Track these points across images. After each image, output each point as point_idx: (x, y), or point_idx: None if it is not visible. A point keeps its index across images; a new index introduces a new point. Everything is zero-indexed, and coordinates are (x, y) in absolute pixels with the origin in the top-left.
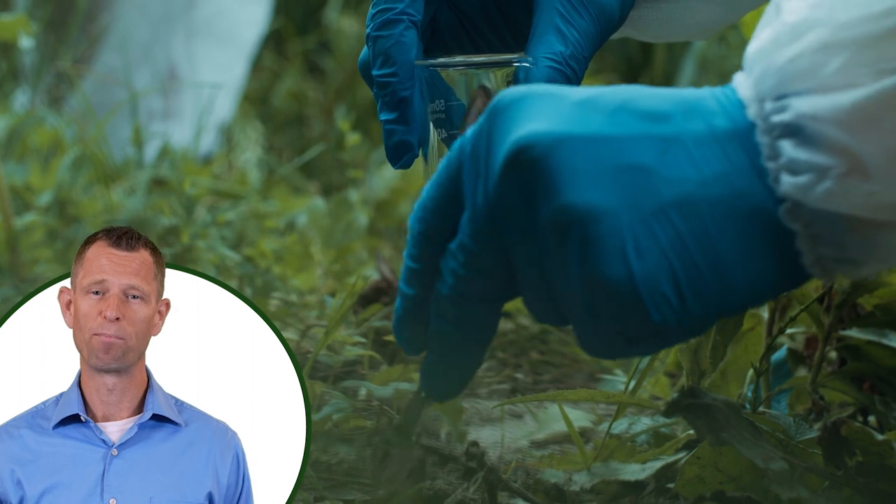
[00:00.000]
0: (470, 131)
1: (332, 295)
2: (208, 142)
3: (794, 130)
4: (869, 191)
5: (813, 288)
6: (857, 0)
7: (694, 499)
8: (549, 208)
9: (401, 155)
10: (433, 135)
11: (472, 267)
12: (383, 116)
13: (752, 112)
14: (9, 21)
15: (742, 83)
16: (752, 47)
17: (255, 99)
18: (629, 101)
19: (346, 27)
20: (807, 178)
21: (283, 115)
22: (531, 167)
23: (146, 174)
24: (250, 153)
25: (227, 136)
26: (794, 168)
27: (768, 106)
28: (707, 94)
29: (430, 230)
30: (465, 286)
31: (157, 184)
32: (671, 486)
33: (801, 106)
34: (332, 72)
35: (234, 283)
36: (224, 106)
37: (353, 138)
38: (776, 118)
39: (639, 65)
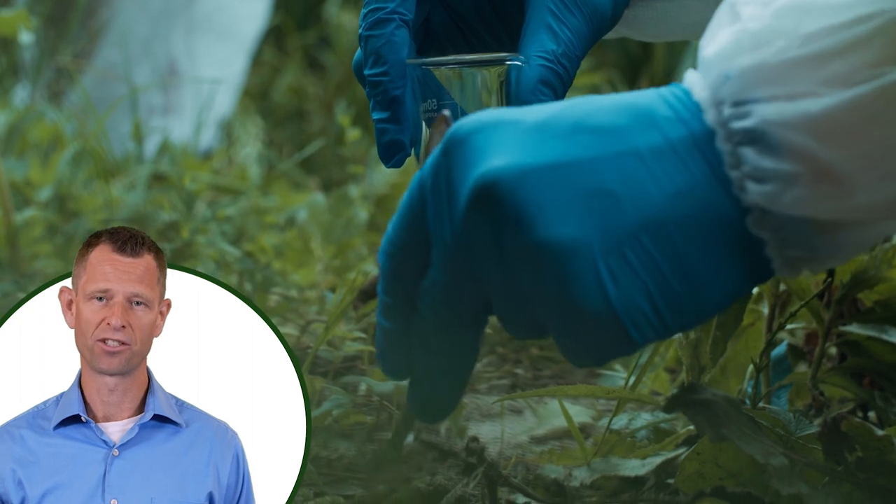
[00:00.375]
0: (428, 165)
1: (332, 290)
2: (208, 137)
3: (756, 137)
4: (840, 196)
5: (813, 283)
6: (823, 11)
7: (694, 494)
8: (520, 245)
9: (393, 154)
10: (425, 134)
11: (449, 300)
12: (375, 115)
13: (710, 117)
14: (9, 16)
15: (696, 84)
16: (710, 50)
17: (255, 94)
18: (584, 119)
19: (346, 22)
20: (774, 186)
21: (283, 111)
22: (497, 205)
23: (146, 169)
24: (250, 148)
25: (227, 131)
26: (760, 176)
27: (727, 111)
28: (657, 98)
29: (399, 266)
30: (444, 318)
31: (157, 179)
32: (671, 481)
33: (765, 112)
34: (332, 67)
35: (234, 279)
36: (224, 101)
37: (353, 134)
38: (737, 124)
39: (639, 60)
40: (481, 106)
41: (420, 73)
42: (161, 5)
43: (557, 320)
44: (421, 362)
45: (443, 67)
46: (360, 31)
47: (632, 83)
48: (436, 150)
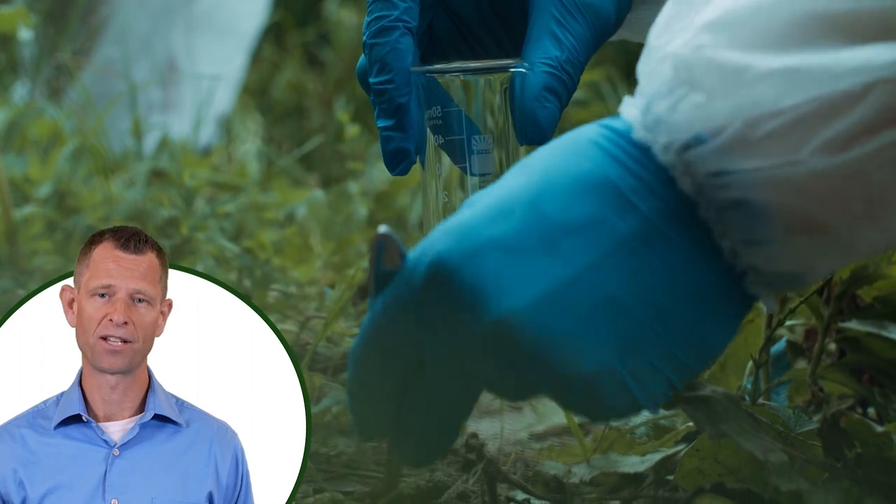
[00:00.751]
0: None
1: (332, 287)
2: (208, 133)
3: (741, 203)
4: (839, 249)
5: None
6: (805, 81)
7: (693, 491)
8: (548, 379)
9: (398, 161)
10: (430, 141)
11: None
12: (381, 123)
13: (685, 186)
14: (8, 13)
15: (655, 143)
16: (662, 110)
17: (255, 91)
18: (555, 217)
19: (346, 19)
20: (769, 249)
21: (283, 107)
22: (514, 345)
23: (145, 166)
24: (250, 145)
25: (227, 127)
26: (752, 240)
27: (704, 180)
28: (607, 160)
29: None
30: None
31: (157, 175)
32: (670, 478)
33: (748, 181)
34: (331, 63)
35: (233, 276)
36: (223, 98)
37: (352, 130)
38: (719, 194)
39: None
40: (485, 113)
41: (425, 81)
42: (160, 2)
43: (577, 413)
44: (410, 418)
45: (447, 75)
46: (365, 38)
47: (631, 81)
48: (412, 295)
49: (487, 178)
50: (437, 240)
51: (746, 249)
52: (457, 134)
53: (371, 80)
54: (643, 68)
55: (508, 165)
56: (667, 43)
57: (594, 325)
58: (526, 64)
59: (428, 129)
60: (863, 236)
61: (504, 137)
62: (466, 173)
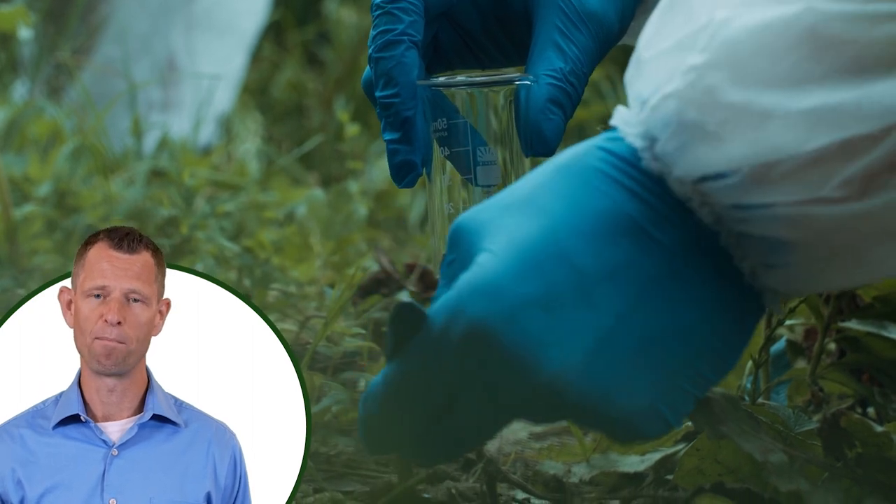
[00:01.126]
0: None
1: (332, 286)
2: (208, 133)
3: (763, 234)
4: (859, 269)
5: None
6: (828, 124)
7: (693, 490)
8: (592, 423)
9: (405, 174)
10: (436, 153)
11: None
12: (387, 136)
13: (705, 217)
14: (8, 12)
15: (668, 175)
16: (671, 149)
17: (255, 90)
18: (590, 267)
19: (346, 18)
20: (787, 271)
21: (283, 106)
22: (566, 400)
23: (145, 165)
24: (249, 144)
25: (227, 126)
26: (772, 264)
27: (724, 212)
28: (620, 191)
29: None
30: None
31: (157, 175)
32: (670, 477)
33: (769, 216)
34: (331, 63)
35: (233, 275)
36: (223, 97)
37: (352, 129)
38: (740, 227)
39: None
40: (491, 125)
41: (430, 94)
42: (160, 1)
43: (609, 438)
44: (435, 445)
45: (453, 88)
46: (370, 52)
47: None
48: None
49: (492, 189)
50: (466, 300)
51: (766, 271)
52: (462, 146)
53: (377, 93)
54: (634, 80)
55: (514, 177)
56: (665, 77)
57: (636, 369)
58: (530, 76)
59: (434, 142)
60: (884, 261)
61: (509, 149)
62: (472, 184)
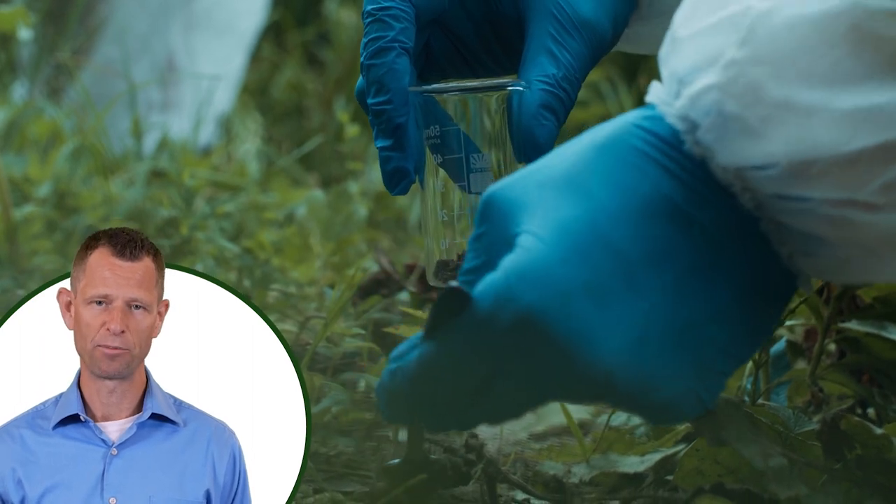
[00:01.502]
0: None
1: (332, 287)
2: (207, 133)
3: (804, 226)
4: (890, 265)
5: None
6: (869, 128)
7: (693, 491)
8: (636, 409)
9: (398, 181)
10: (429, 160)
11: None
12: (379, 143)
13: (746, 202)
14: (7, 12)
15: (710, 160)
16: (711, 140)
17: (255, 90)
18: (652, 252)
19: (345, 18)
20: (828, 262)
21: (283, 107)
22: (618, 392)
23: (145, 165)
24: (249, 144)
25: (227, 127)
26: (808, 252)
27: (767, 201)
28: (660, 172)
29: None
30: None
31: (156, 175)
32: (670, 478)
33: (812, 210)
34: (331, 63)
35: (233, 276)
36: (223, 97)
37: (352, 130)
38: (782, 217)
39: (638, 57)
40: (484, 131)
41: (422, 100)
42: (159, 1)
43: (644, 420)
44: (468, 417)
45: (445, 94)
46: (362, 59)
47: (630, 81)
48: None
49: None
50: (516, 287)
51: (804, 258)
52: (455, 152)
53: (369, 101)
54: (669, 57)
55: None
56: (703, 60)
57: (676, 353)
58: (523, 82)
59: (427, 149)
60: None
61: (502, 154)
62: (465, 191)
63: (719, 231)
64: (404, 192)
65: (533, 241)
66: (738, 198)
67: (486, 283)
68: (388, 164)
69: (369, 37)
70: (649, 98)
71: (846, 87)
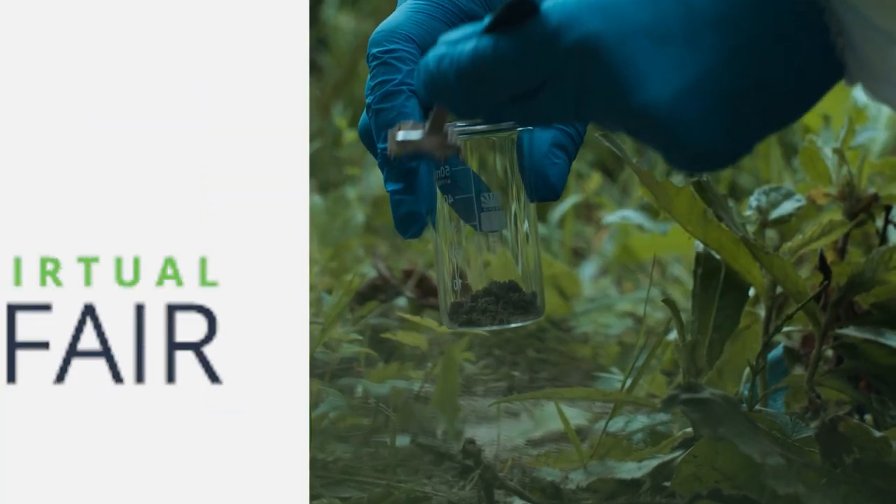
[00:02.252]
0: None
1: (329, 292)
2: None
3: (859, 26)
4: None
5: (810, 286)
6: None
7: (690, 497)
8: (682, 158)
9: (409, 225)
10: (440, 201)
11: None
12: (390, 187)
13: None
14: None
15: None
16: None
17: None
18: (725, 13)
19: (344, 24)
20: (874, 64)
21: None
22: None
23: None
24: None
25: None
26: (862, 52)
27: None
28: None
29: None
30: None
31: None
32: (667, 484)
33: (864, 20)
34: (329, 68)
35: None
36: None
37: (350, 135)
38: (844, 15)
39: None
40: (494, 172)
41: None
42: None
43: (672, 164)
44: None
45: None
46: (369, 102)
47: None
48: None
49: (496, 235)
50: (585, 12)
51: (855, 55)
52: (465, 192)
53: (380, 146)
54: None
55: (519, 221)
56: None
57: (723, 112)
58: None
59: (438, 189)
60: None
61: (513, 194)
62: (476, 230)
63: (787, 12)
64: (417, 235)
65: None
66: None
67: (558, 2)
68: (399, 207)
69: (377, 80)
70: None
71: None
